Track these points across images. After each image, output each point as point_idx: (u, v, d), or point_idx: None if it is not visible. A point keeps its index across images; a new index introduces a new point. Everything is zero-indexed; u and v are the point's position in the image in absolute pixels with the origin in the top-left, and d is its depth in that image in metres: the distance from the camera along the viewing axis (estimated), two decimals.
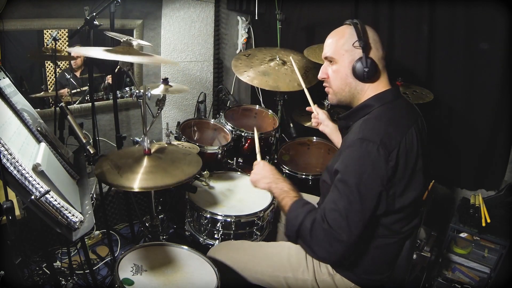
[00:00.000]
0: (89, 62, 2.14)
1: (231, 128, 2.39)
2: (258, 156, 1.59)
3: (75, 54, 2.35)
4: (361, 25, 1.28)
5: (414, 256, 1.57)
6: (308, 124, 2.42)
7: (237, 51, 3.12)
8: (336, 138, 1.79)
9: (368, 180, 1.15)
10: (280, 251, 1.52)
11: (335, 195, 1.19)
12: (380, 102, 1.28)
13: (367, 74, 1.26)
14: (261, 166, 1.47)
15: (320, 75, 1.40)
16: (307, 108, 1.85)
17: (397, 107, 1.29)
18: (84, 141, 1.56)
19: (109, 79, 2.52)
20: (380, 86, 1.31)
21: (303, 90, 1.91)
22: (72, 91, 2.40)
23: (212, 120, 2.54)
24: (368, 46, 1.26)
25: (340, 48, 1.30)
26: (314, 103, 1.86)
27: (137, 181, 1.43)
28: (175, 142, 2.10)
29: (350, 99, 1.35)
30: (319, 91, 2.44)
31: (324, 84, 1.41)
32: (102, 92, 2.57)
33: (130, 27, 2.51)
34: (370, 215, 1.17)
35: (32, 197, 1.01)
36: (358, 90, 1.32)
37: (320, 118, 1.82)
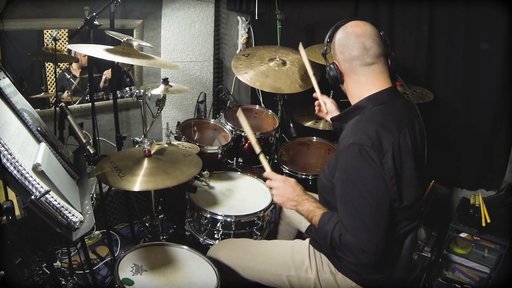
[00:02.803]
0: (89, 62, 2.14)
1: (231, 128, 2.39)
2: (267, 167, 1.49)
3: (80, 55, 2.36)
4: (334, 28, 1.35)
5: (415, 256, 1.57)
6: (308, 124, 2.42)
7: (237, 51, 3.12)
8: None
9: (371, 185, 1.16)
10: (282, 250, 1.52)
11: (348, 209, 1.21)
12: (373, 103, 1.28)
13: (329, 80, 1.37)
14: (282, 186, 1.40)
15: None
16: (313, 95, 1.79)
17: (391, 108, 1.28)
18: (84, 141, 1.55)
19: (107, 74, 2.51)
20: (369, 87, 1.29)
21: (304, 91, 1.89)
22: (70, 90, 2.40)
23: (212, 120, 2.54)
24: (328, 53, 1.39)
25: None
26: (311, 110, 1.84)
27: (138, 183, 1.44)
28: (175, 142, 2.10)
29: (348, 96, 1.39)
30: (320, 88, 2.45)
31: None
32: (102, 92, 2.57)
33: (130, 27, 2.51)
34: (387, 217, 1.18)
35: (32, 197, 1.01)
36: (348, 87, 1.37)
37: (328, 109, 1.75)
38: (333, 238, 1.24)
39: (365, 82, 1.30)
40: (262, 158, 1.51)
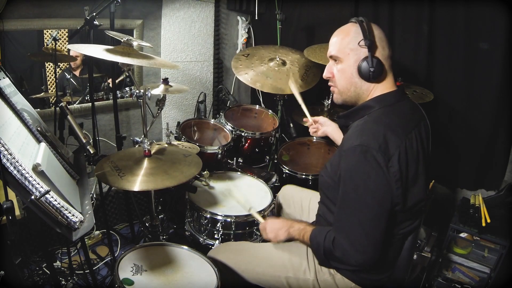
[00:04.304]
0: (89, 62, 2.14)
1: (231, 128, 2.39)
2: (260, 219, 1.65)
3: (74, 53, 2.36)
4: (367, 23, 1.25)
5: (415, 256, 1.57)
6: (308, 124, 2.42)
7: (237, 51, 3.12)
8: (338, 137, 1.79)
9: (373, 188, 1.15)
10: (281, 252, 1.52)
11: (346, 209, 1.21)
12: (381, 104, 1.27)
13: (373, 74, 1.23)
14: (270, 224, 1.50)
15: (325, 74, 1.37)
16: (304, 119, 1.89)
17: (398, 110, 1.27)
18: (84, 141, 1.56)
19: (109, 81, 2.52)
20: (385, 87, 1.29)
21: (304, 91, 1.92)
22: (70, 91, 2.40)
23: (212, 120, 2.54)
24: (374, 45, 1.23)
25: (345, 47, 1.27)
26: (311, 112, 1.91)
27: (138, 183, 1.44)
28: (175, 142, 2.10)
29: (356, 99, 1.33)
30: (318, 91, 2.46)
31: (329, 84, 1.39)
32: (102, 92, 2.57)
33: (130, 27, 2.51)
34: (386, 220, 1.18)
35: (32, 197, 1.01)
36: (364, 90, 1.30)
37: (321, 121, 1.84)
38: (325, 246, 1.25)
39: (387, 82, 1.29)
40: (253, 213, 1.70)
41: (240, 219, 1.77)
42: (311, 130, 1.88)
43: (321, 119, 1.84)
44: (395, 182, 1.16)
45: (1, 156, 0.98)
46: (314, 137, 2.49)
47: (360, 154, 1.15)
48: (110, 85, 2.49)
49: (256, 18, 2.91)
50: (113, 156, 1.63)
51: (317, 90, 2.44)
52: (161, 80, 1.92)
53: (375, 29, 1.26)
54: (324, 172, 1.41)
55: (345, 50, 1.27)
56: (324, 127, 1.84)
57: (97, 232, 2.44)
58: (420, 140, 1.25)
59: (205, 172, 1.98)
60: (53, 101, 2.25)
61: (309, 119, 1.86)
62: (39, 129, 1.39)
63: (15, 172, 1.01)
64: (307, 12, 2.73)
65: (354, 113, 1.34)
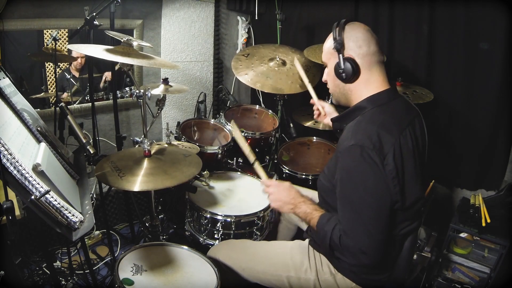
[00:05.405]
0: (89, 62, 2.14)
1: (231, 128, 2.39)
2: (263, 175, 1.53)
3: (77, 54, 2.36)
4: (341, 25, 1.28)
5: (415, 256, 1.58)
6: (308, 124, 2.42)
7: (237, 51, 3.12)
8: None
9: (372, 187, 1.16)
10: (282, 251, 1.52)
11: (347, 210, 1.21)
12: (373, 104, 1.27)
13: (344, 75, 1.28)
14: (276, 190, 1.43)
15: (323, 78, 1.43)
16: (311, 101, 1.82)
17: (391, 109, 1.27)
18: (84, 141, 1.56)
19: (108, 76, 2.52)
20: (375, 86, 1.28)
21: (304, 91, 1.90)
22: (70, 90, 2.40)
23: (212, 120, 2.54)
24: (343, 47, 1.26)
25: (327, 52, 1.35)
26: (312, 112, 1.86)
27: (137, 183, 1.44)
28: (175, 142, 2.10)
29: (345, 100, 1.36)
30: (318, 91, 2.46)
31: (327, 87, 1.43)
32: (102, 92, 2.57)
33: (130, 27, 2.51)
34: (387, 218, 1.18)
35: (32, 197, 1.01)
36: (347, 91, 1.33)
37: (326, 111, 1.77)
38: (332, 240, 1.24)
39: (374, 80, 1.28)
40: (257, 166, 1.55)
41: (240, 219, 1.77)
42: (315, 113, 1.82)
43: (328, 108, 1.77)
44: (391, 180, 1.16)
45: (1, 156, 0.98)
46: (314, 137, 2.49)
47: (356, 154, 1.16)
48: (109, 78, 2.49)
49: (256, 18, 2.91)
50: (113, 156, 1.63)
51: (317, 90, 2.43)
52: (161, 80, 1.92)
53: (350, 29, 1.28)
54: (322, 176, 1.41)
55: (327, 55, 1.36)
56: (328, 117, 1.76)
57: (97, 232, 2.44)
58: (415, 137, 1.26)
59: (205, 172, 1.98)
60: (53, 101, 2.26)
61: (315, 101, 1.80)
62: (39, 129, 1.39)
63: (15, 172, 1.01)
64: (307, 12, 2.73)
65: (348, 115, 1.34)
